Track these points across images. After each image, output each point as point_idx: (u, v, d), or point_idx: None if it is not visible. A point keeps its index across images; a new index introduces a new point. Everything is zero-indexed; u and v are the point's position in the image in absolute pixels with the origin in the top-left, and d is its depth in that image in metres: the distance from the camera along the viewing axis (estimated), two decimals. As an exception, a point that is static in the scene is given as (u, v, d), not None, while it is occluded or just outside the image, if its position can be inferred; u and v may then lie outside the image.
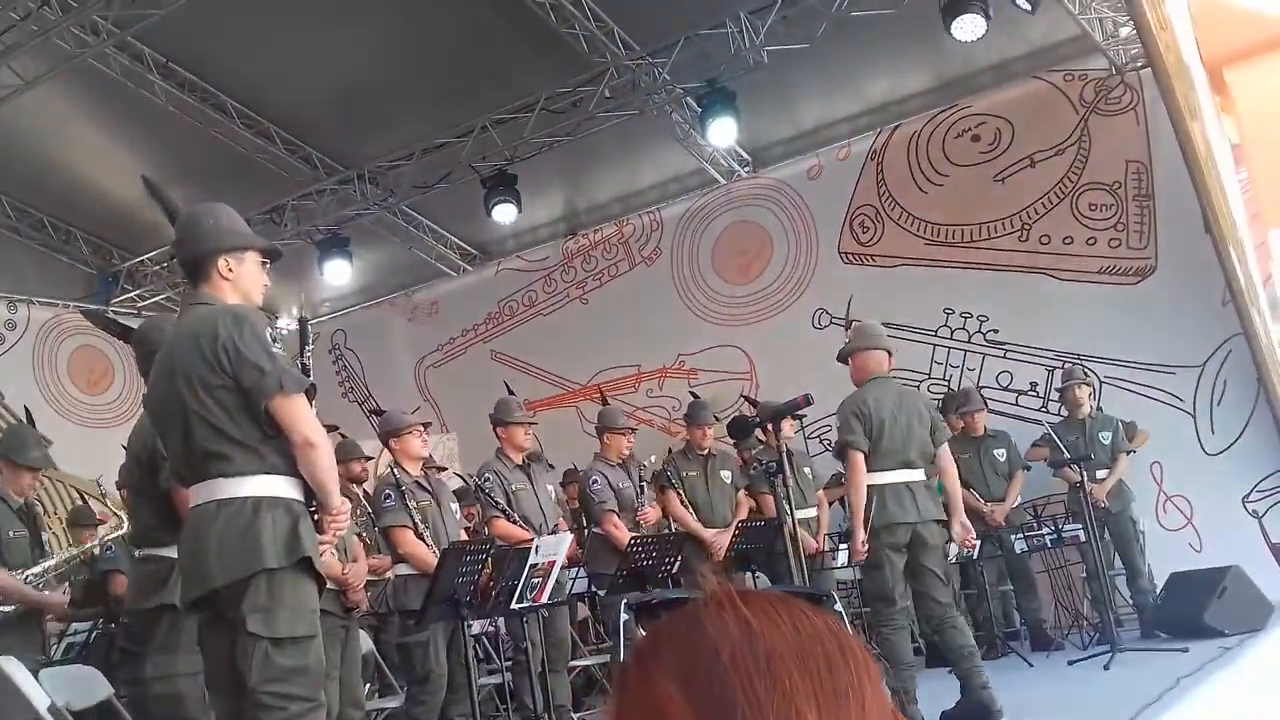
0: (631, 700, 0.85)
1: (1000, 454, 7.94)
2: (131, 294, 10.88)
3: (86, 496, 9.63)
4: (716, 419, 7.69)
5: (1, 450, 5.27)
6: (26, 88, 7.75)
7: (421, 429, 6.00)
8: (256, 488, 3.07)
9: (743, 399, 9.08)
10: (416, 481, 5.84)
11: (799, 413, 5.54)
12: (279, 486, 3.11)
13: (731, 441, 7.59)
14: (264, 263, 3.40)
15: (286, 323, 10.48)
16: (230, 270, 3.28)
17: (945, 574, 5.47)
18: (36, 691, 3.98)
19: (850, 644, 0.86)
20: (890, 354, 5.74)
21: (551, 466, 7.48)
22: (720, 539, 6.95)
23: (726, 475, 7.43)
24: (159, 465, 3.76)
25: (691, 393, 8.79)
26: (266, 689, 2.98)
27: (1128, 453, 7.71)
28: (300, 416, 3.10)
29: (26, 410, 6.44)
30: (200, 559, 3.05)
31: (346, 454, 6.53)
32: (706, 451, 7.40)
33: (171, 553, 3.78)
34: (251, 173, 9.17)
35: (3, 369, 10.04)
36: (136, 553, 4.07)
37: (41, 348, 10.46)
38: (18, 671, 4.01)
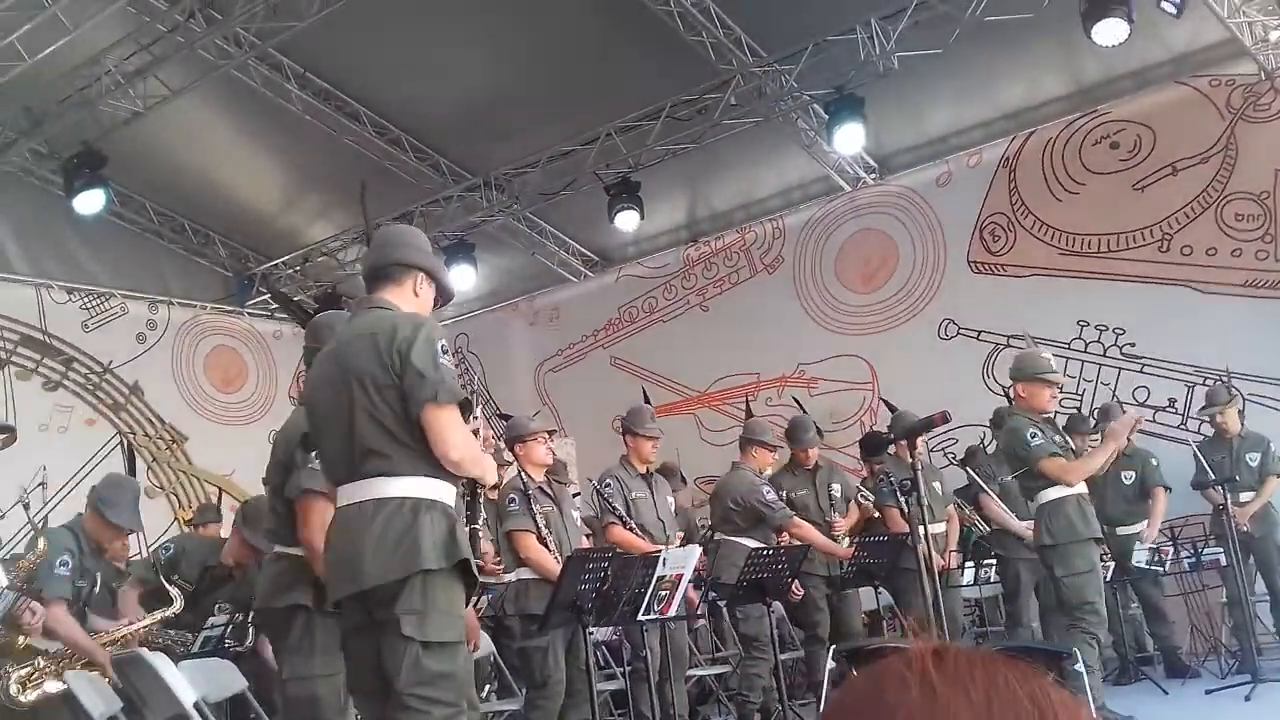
0: None
1: (1128, 476, 7.52)
2: (266, 296, 11.21)
3: (223, 491, 9.96)
4: (820, 433, 7.51)
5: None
6: (173, 97, 8.04)
7: (546, 436, 6.03)
8: (415, 488, 3.09)
9: (882, 402, 8.90)
10: (540, 487, 5.87)
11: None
12: (437, 489, 3.12)
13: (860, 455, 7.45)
14: (435, 299, 3.50)
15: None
16: (420, 290, 3.40)
17: (1054, 591, 5.49)
18: (183, 688, 4.08)
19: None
20: (1018, 382, 5.87)
21: (685, 481, 7.37)
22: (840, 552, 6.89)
23: (836, 489, 7.28)
24: (294, 470, 3.85)
25: (795, 400, 8.57)
26: (413, 691, 2.98)
27: (1278, 475, 7.34)
28: (445, 429, 3.08)
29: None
30: (355, 559, 3.04)
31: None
32: (812, 466, 7.30)
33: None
34: (382, 179, 9.34)
35: (144, 368, 10.45)
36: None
37: (180, 347, 10.84)
38: (166, 667, 4.13)
